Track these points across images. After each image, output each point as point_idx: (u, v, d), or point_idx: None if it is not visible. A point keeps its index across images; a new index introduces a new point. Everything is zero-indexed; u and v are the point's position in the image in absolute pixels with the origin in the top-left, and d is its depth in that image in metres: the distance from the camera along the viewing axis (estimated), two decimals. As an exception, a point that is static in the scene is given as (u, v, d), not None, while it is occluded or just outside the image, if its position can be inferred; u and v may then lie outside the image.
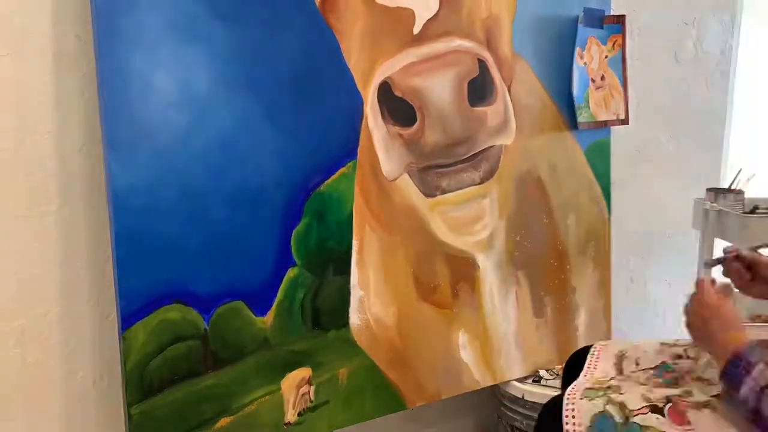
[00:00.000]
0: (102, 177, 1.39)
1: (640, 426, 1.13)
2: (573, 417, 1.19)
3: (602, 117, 1.96)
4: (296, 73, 1.53)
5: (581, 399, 1.22)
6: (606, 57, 1.96)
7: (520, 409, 1.86)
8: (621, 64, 1.98)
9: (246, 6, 1.46)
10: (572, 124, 1.92)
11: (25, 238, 1.41)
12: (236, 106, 1.47)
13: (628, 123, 2.01)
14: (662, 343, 1.39)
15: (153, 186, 1.40)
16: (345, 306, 1.64)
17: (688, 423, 1.13)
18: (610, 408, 1.18)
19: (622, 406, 1.18)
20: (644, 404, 1.17)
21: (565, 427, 1.19)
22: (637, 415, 1.15)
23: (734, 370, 1.10)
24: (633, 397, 1.19)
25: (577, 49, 1.88)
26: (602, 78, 1.95)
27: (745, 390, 1.07)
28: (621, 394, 1.21)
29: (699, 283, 1.23)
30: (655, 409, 1.15)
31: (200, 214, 1.45)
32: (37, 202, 1.41)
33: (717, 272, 1.40)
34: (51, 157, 1.41)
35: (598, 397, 1.21)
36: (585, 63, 1.91)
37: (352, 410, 1.68)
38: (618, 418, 1.15)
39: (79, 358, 1.50)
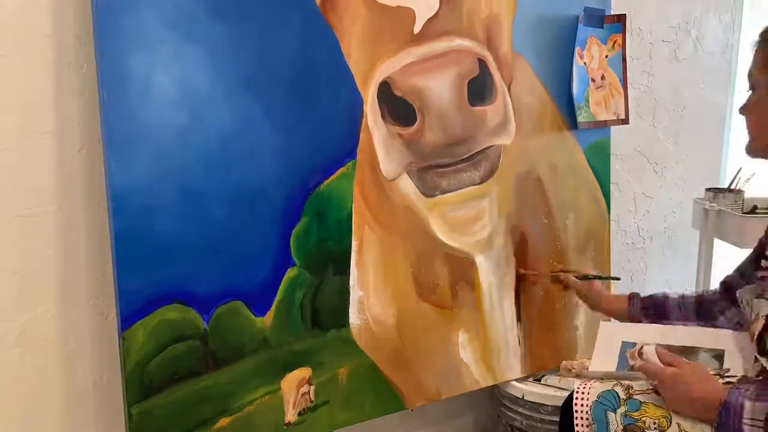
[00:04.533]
0: (102, 177, 1.39)
1: (640, 402, 1.20)
2: (584, 393, 1.27)
3: (602, 117, 1.96)
4: (296, 72, 1.53)
5: (595, 382, 1.29)
6: (606, 56, 1.96)
7: (520, 409, 1.86)
8: (621, 63, 1.97)
9: (246, 5, 1.46)
10: (572, 124, 1.92)
11: (25, 238, 1.41)
12: (236, 106, 1.47)
13: (628, 123, 2.01)
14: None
15: (153, 186, 1.40)
16: (344, 306, 1.64)
17: None
18: (617, 387, 1.25)
19: (628, 386, 1.25)
20: (649, 387, 1.23)
21: (575, 400, 1.26)
22: (640, 394, 1.22)
23: (726, 420, 1.12)
24: (641, 383, 1.26)
25: (577, 49, 1.88)
26: (602, 78, 1.95)
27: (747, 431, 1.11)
28: (630, 381, 1.28)
29: (644, 367, 1.24)
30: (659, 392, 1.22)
31: (200, 214, 1.45)
32: (37, 202, 1.41)
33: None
34: (51, 157, 1.41)
35: (609, 381, 1.28)
36: (585, 63, 1.90)
37: (352, 410, 1.68)
38: (622, 395, 1.23)
39: (79, 358, 1.50)
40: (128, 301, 1.39)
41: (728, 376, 1.24)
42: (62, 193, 1.43)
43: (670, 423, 1.17)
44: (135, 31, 1.35)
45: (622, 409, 1.21)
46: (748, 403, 1.11)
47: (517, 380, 1.89)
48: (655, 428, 1.17)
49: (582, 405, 1.25)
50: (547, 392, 1.85)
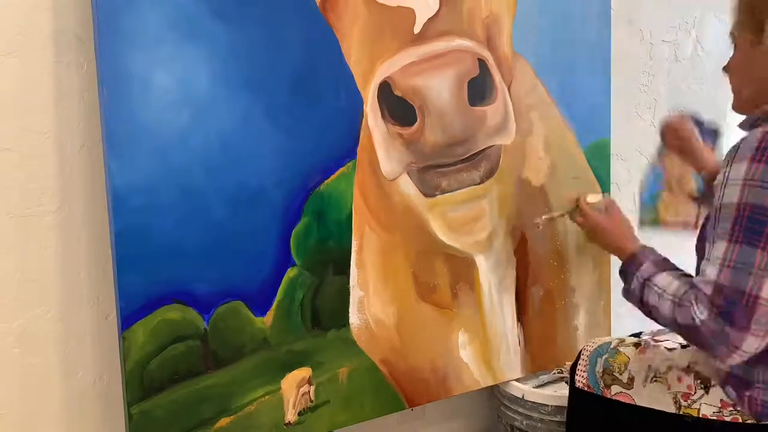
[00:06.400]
0: (102, 177, 1.40)
1: (617, 351, 1.47)
2: (592, 344, 1.54)
3: (670, 221, 1.84)
4: (296, 72, 1.53)
5: (604, 338, 1.57)
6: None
7: (520, 409, 1.86)
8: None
9: (246, 5, 1.47)
10: (572, 122, 1.91)
11: (25, 238, 1.41)
12: (236, 106, 1.47)
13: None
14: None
15: (153, 186, 1.40)
16: (345, 306, 1.65)
17: (644, 353, 1.44)
18: (613, 341, 1.52)
19: (621, 341, 1.51)
20: (635, 342, 1.49)
21: (585, 348, 1.54)
22: (624, 347, 1.48)
23: (628, 267, 1.39)
24: (634, 339, 1.52)
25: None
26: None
27: (634, 283, 1.34)
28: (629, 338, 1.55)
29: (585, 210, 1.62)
30: (637, 345, 1.47)
31: (200, 214, 1.46)
32: (37, 202, 1.41)
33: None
34: (51, 157, 1.41)
35: (612, 339, 1.55)
36: (664, 167, 1.79)
37: (352, 410, 1.68)
38: (612, 345, 1.50)
39: (79, 358, 1.50)
40: (128, 301, 1.39)
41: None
42: (62, 193, 1.43)
43: (626, 368, 1.43)
44: (135, 31, 1.36)
45: (605, 355, 1.48)
46: (647, 264, 1.35)
47: (516, 380, 1.89)
48: (618, 372, 1.43)
49: (587, 351, 1.53)
50: (546, 392, 1.85)
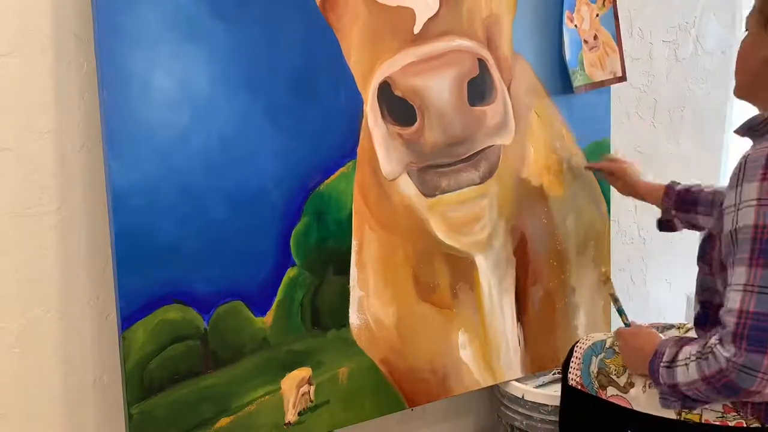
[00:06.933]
0: (102, 177, 1.40)
1: (614, 351, 1.43)
2: (585, 341, 1.53)
3: (599, 77, 1.90)
4: (296, 72, 1.53)
5: (598, 334, 1.55)
6: (597, 15, 1.88)
7: (520, 409, 1.86)
8: (613, 20, 1.90)
9: (246, 5, 1.47)
10: (572, 122, 1.91)
11: (25, 238, 1.41)
12: (236, 106, 1.47)
13: (625, 80, 1.96)
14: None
15: (153, 186, 1.40)
16: (344, 306, 1.65)
17: None
18: (608, 339, 1.48)
19: (615, 340, 1.46)
20: None
21: (578, 344, 1.53)
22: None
23: (652, 366, 1.25)
24: None
25: (566, 12, 1.83)
26: (595, 38, 1.88)
27: (662, 377, 1.23)
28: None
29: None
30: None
31: (200, 214, 1.46)
32: (37, 202, 1.41)
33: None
34: (51, 157, 1.41)
35: (608, 333, 1.54)
36: (575, 25, 1.85)
37: (352, 410, 1.68)
38: (608, 344, 1.47)
39: (79, 358, 1.50)
40: (128, 301, 1.39)
41: None
42: (62, 193, 1.43)
43: (625, 371, 1.39)
44: (135, 31, 1.36)
45: (601, 355, 1.45)
46: (667, 350, 1.24)
47: (517, 380, 1.89)
48: (615, 374, 1.40)
49: (580, 349, 1.51)
50: (547, 392, 1.85)
